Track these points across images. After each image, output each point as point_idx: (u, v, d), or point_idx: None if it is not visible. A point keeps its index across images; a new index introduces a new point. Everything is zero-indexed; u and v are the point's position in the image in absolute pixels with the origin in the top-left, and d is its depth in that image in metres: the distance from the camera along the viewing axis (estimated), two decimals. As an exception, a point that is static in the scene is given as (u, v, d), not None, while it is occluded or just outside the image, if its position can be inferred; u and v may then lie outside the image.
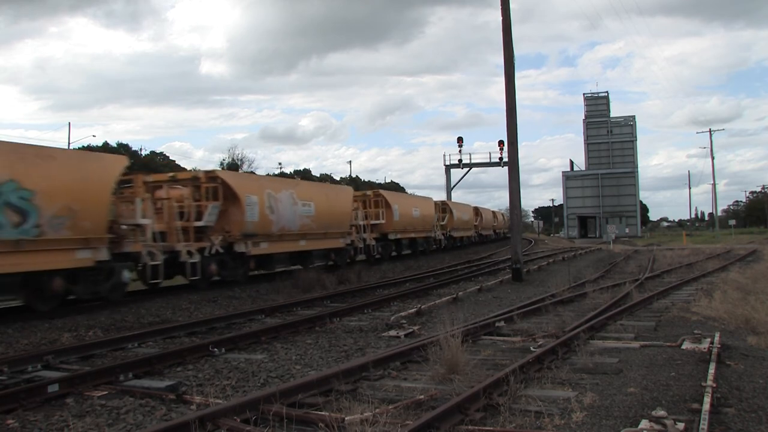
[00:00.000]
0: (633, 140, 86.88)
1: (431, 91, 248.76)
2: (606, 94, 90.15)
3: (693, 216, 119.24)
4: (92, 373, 7.11)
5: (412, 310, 12.18)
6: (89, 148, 49.30)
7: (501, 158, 51.05)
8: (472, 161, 55.44)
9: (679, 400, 5.74)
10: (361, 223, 26.48)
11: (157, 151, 68.47)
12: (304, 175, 68.80)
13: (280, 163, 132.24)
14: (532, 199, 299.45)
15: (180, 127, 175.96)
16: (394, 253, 30.18)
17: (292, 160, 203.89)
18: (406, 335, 9.83)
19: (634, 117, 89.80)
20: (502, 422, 5.23)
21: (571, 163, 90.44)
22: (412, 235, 32.16)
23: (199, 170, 19.87)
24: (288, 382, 6.79)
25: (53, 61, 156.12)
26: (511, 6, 19.81)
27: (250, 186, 19.01)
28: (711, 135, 77.57)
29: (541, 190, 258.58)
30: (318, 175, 74.29)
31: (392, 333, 10.02)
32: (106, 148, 56.95)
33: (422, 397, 5.82)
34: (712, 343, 7.85)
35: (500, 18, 19.79)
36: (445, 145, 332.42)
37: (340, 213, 23.71)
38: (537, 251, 36.85)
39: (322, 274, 18.45)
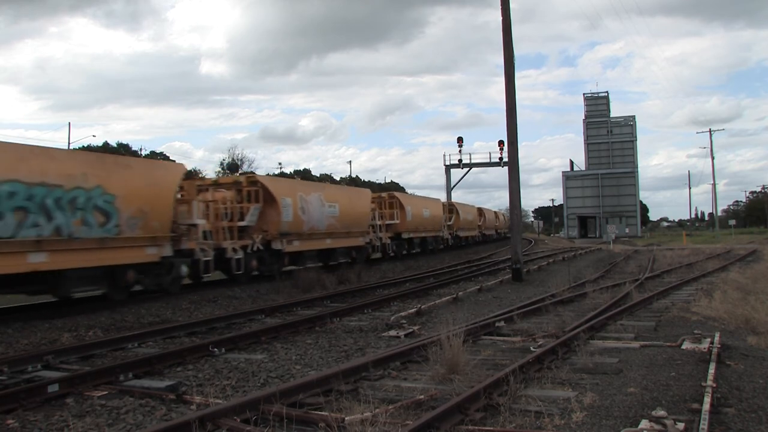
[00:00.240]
0: (633, 140, 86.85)
1: (431, 91, 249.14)
2: (606, 94, 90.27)
3: (693, 216, 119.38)
4: (92, 373, 7.12)
5: (412, 310, 12.19)
6: (89, 148, 49.34)
7: (501, 158, 51.00)
8: (472, 161, 55.37)
9: (679, 400, 5.74)
10: (378, 223, 27.84)
11: (157, 151, 68.29)
12: (304, 175, 68.71)
13: (280, 163, 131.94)
14: (532, 199, 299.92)
15: (180, 127, 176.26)
16: (404, 252, 31.28)
17: (292, 160, 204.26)
18: (406, 335, 9.84)
19: (634, 117, 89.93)
20: (502, 422, 5.23)
21: (571, 163, 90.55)
22: (423, 234, 33.75)
23: (240, 175, 21.89)
24: (288, 382, 6.79)
25: (53, 61, 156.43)
26: (511, 6, 19.85)
27: (285, 189, 20.53)
28: (711, 135, 77.73)
29: (541, 190, 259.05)
30: (318, 176, 74.22)
31: (392, 333, 10.03)
32: (106, 148, 57.02)
33: (422, 397, 5.83)
34: (712, 343, 7.85)
35: (500, 18, 19.81)
36: (445, 145, 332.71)
37: (361, 214, 25.40)
38: (537, 251, 36.86)
39: (322, 274, 18.62)
